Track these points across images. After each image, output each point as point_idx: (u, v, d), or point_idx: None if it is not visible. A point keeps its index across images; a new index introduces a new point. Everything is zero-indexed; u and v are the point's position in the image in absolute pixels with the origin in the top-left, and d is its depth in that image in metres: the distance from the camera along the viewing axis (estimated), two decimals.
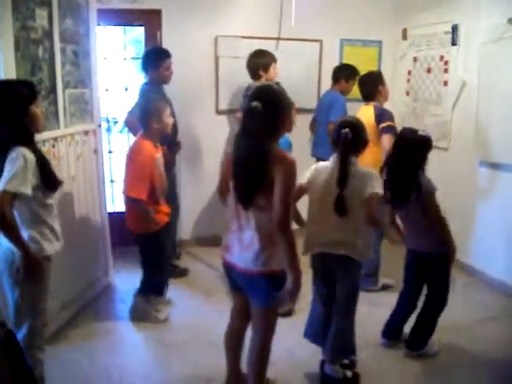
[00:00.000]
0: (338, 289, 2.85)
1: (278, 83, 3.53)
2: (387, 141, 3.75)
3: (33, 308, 2.43)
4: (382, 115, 3.92)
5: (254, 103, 2.19)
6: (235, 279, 2.45)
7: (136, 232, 3.48)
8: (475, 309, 3.87)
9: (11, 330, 1.81)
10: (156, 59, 4.11)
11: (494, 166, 4.18)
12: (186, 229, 5.07)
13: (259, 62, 4.34)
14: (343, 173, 2.66)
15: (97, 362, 3.09)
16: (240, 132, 2.30)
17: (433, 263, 3.10)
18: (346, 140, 2.65)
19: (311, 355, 3.09)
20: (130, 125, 4.15)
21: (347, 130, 2.66)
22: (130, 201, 3.36)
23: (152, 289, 3.67)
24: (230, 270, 2.46)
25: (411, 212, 3.00)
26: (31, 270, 2.33)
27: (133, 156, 3.39)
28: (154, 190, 3.37)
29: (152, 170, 3.34)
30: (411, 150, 2.94)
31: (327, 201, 2.71)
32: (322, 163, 2.90)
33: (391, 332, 3.32)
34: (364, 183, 2.68)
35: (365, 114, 3.93)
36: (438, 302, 3.16)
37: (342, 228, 2.72)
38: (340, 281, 2.84)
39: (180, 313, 3.77)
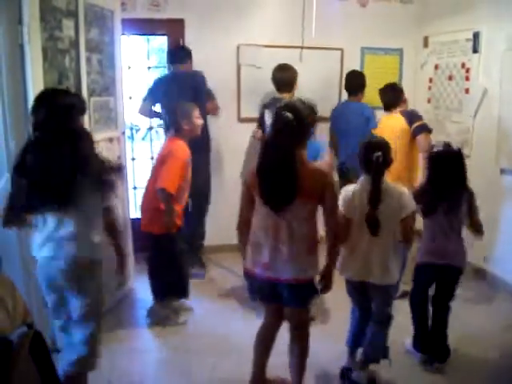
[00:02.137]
0: (374, 307, 2.92)
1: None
2: (424, 140, 3.85)
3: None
4: (412, 116, 4.00)
5: (288, 114, 2.34)
6: (276, 290, 2.54)
7: (156, 232, 3.50)
8: (497, 317, 3.83)
9: (39, 331, 1.84)
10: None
11: None
12: (206, 235, 5.09)
13: (293, 75, 4.37)
14: (376, 193, 2.67)
15: (118, 367, 3.13)
16: (270, 142, 2.39)
17: (450, 276, 3.12)
18: (378, 163, 2.67)
19: (333, 360, 3.14)
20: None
21: (380, 153, 2.67)
22: (162, 194, 3.37)
23: (176, 291, 3.72)
24: (272, 285, 2.53)
25: (456, 217, 3.05)
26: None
27: (173, 153, 3.45)
28: (179, 190, 3.45)
29: (186, 171, 3.47)
30: (456, 164, 3.01)
31: (358, 223, 2.75)
32: (348, 188, 2.85)
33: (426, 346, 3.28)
34: (397, 202, 2.71)
35: (396, 122, 4.00)
36: (447, 309, 3.17)
37: (374, 250, 2.75)
38: (374, 300, 2.91)
39: (199, 319, 3.80)
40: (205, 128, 4.20)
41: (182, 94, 4.09)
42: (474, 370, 3.16)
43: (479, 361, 3.26)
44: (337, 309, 3.83)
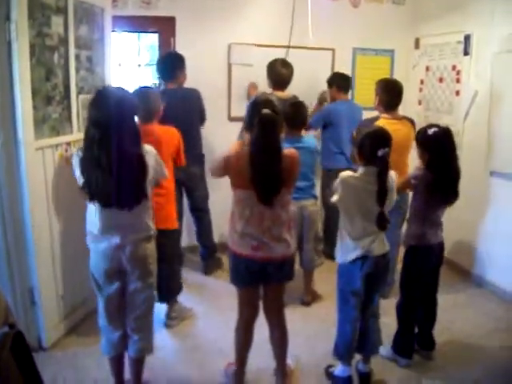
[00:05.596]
0: (375, 290, 2.89)
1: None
2: None
3: None
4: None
5: (267, 111, 2.43)
6: (267, 270, 2.62)
7: (170, 227, 3.41)
8: (485, 320, 3.84)
9: (21, 331, 1.82)
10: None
11: (506, 176, 4.17)
12: (188, 236, 5.05)
13: (292, 73, 4.40)
14: (383, 192, 2.64)
15: (104, 366, 3.08)
16: (258, 137, 2.44)
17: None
18: (385, 160, 2.62)
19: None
20: None
21: (386, 150, 2.61)
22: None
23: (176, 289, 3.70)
24: (263, 265, 2.61)
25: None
26: None
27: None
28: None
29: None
30: (452, 143, 2.96)
31: (366, 208, 2.71)
32: (349, 176, 2.73)
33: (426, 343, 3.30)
34: (393, 197, 2.80)
35: (409, 132, 3.76)
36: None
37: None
38: (381, 281, 2.91)
39: (189, 319, 3.79)
40: (200, 144, 4.36)
41: (178, 112, 3.90)
42: (461, 373, 3.16)
43: (467, 363, 3.26)
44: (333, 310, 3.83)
